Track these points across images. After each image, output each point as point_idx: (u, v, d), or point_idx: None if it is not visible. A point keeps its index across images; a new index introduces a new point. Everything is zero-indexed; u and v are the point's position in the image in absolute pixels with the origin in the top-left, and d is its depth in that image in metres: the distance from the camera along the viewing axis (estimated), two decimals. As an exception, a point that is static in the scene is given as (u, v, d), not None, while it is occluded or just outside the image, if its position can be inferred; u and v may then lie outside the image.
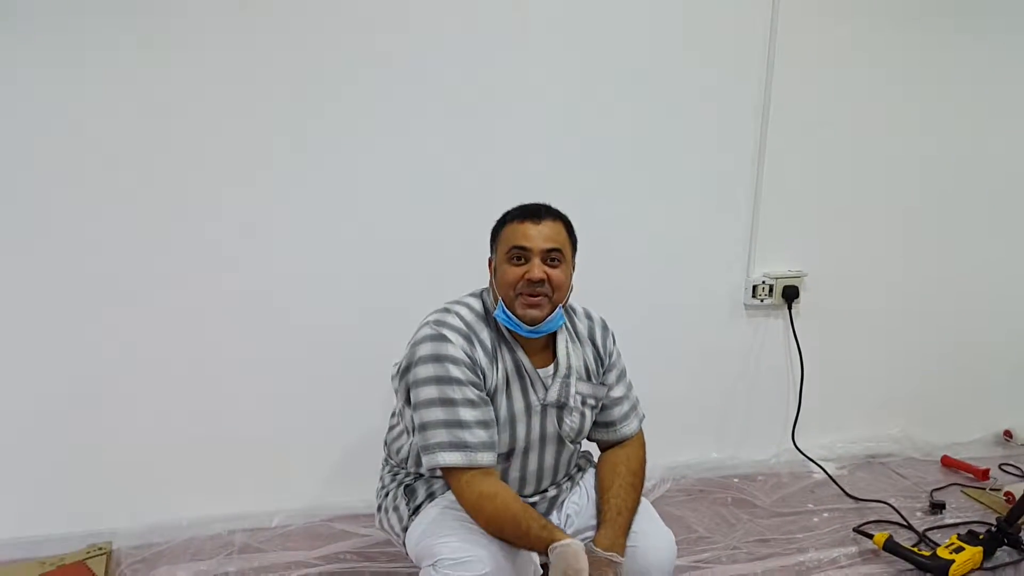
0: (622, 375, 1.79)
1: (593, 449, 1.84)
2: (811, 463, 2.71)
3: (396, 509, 1.69)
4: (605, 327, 1.79)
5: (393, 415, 1.77)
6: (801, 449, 2.68)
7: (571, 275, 1.63)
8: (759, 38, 2.44)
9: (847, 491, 2.53)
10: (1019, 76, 2.75)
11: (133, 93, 1.95)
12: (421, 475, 1.70)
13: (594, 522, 1.66)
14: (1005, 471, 2.75)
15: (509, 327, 1.61)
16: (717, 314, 2.62)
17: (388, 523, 1.71)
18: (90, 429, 2.09)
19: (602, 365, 1.75)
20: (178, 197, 2.03)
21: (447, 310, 1.62)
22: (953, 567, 1.98)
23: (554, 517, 1.73)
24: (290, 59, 2.04)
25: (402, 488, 1.71)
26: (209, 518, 2.22)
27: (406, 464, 1.73)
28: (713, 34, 2.39)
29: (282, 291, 2.17)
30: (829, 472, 2.63)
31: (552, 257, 1.57)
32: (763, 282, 2.58)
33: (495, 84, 2.22)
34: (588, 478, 1.79)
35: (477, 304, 1.66)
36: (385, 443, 1.83)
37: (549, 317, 1.58)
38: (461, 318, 1.60)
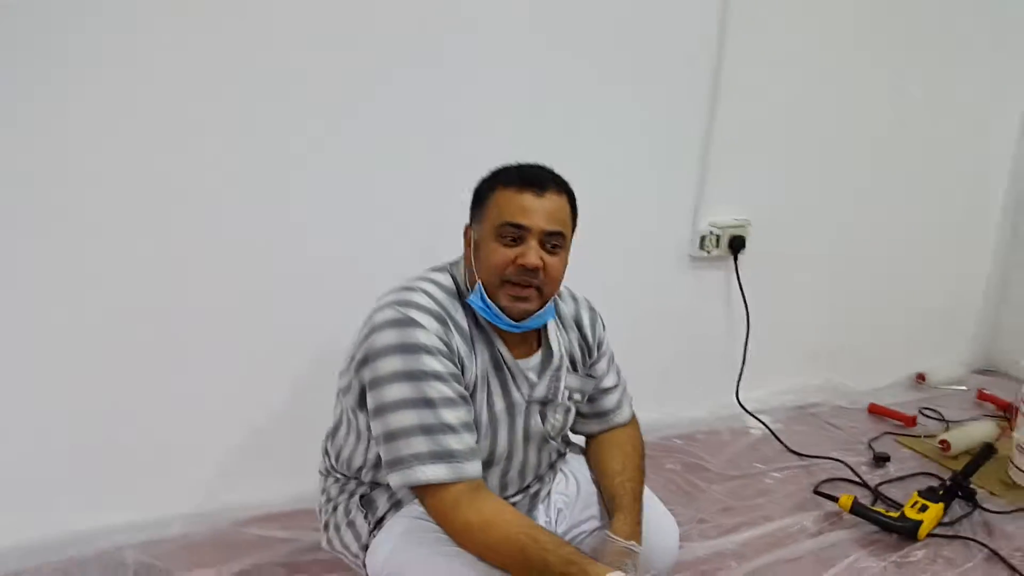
0: (611, 361, 1.55)
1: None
2: (747, 418, 2.62)
3: (351, 524, 1.38)
4: (592, 309, 1.53)
5: (340, 419, 1.43)
6: (744, 405, 2.58)
7: (567, 262, 1.34)
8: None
9: (789, 447, 2.46)
10: (976, 24, 2.69)
11: None
12: (378, 483, 1.40)
13: (587, 514, 1.46)
14: (926, 415, 2.78)
15: (487, 318, 1.31)
16: (661, 267, 2.43)
17: (340, 542, 1.39)
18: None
19: (590, 355, 1.49)
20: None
21: (410, 288, 1.29)
22: (923, 527, 1.94)
23: (540, 512, 1.47)
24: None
25: (357, 499, 1.39)
26: (91, 532, 1.80)
27: (359, 474, 1.42)
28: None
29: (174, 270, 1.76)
30: (770, 427, 2.55)
31: (553, 243, 1.27)
32: (711, 232, 2.41)
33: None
34: (574, 463, 1.55)
35: (446, 280, 1.34)
36: (326, 451, 1.50)
37: (539, 312, 1.30)
38: (430, 296, 1.28)
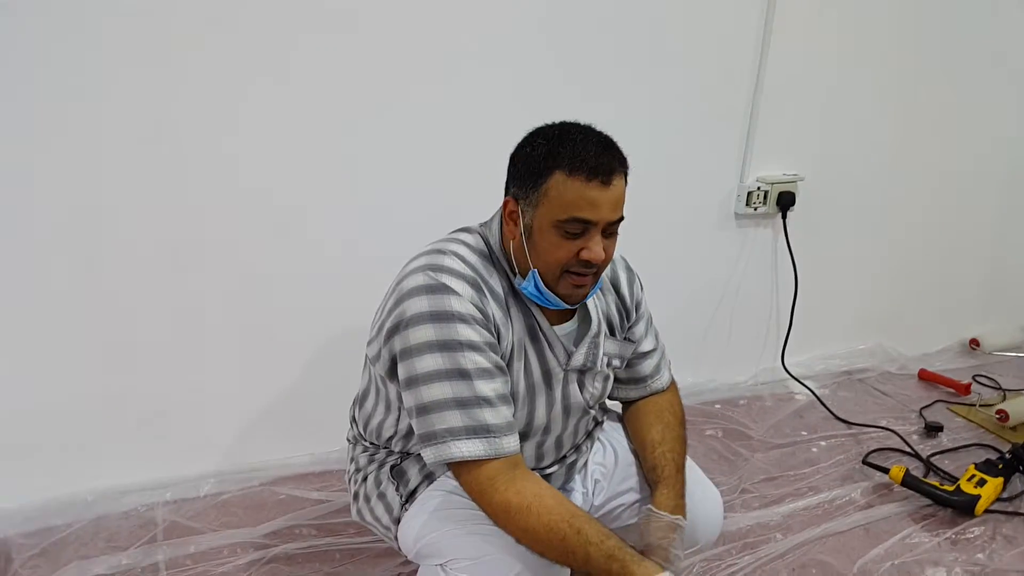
0: (650, 324, 1.45)
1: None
2: (791, 383, 2.53)
3: (382, 497, 1.31)
4: (629, 270, 1.42)
5: (368, 387, 1.35)
6: (789, 370, 2.48)
7: None
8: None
9: (836, 414, 2.36)
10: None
11: None
12: (409, 454, 1.33)
13: (626, 485, 1.39)
14: (980, 383, 2.66)
15: (539, 303, 1.22)
16: (705, 225, 2.31)
17: (371, 514, 1.33)
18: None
19: (628, 318, 1.39)
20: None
21: (440, 251, 1.20)
22: (980, 502, 1.84)
23: (577, 483, 1.41)
24: None
25: (387, 470, 1.33)
26: (120, 489, 1.80)
27: (390, 444, 1.35)
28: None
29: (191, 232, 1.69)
30: (816, 393, 2.45)
31: (612, 230, 1.17)
32: (758, 188, 2.28)
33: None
34: (611, 432, 1.47)
35: (477, 242, 1.24)
36: (353, 419, 1.43)
37: (590, 292, 1.22)
38: (463, 260, 1.19)
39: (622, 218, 1.17)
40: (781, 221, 2.36)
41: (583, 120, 1.19)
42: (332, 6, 1.65)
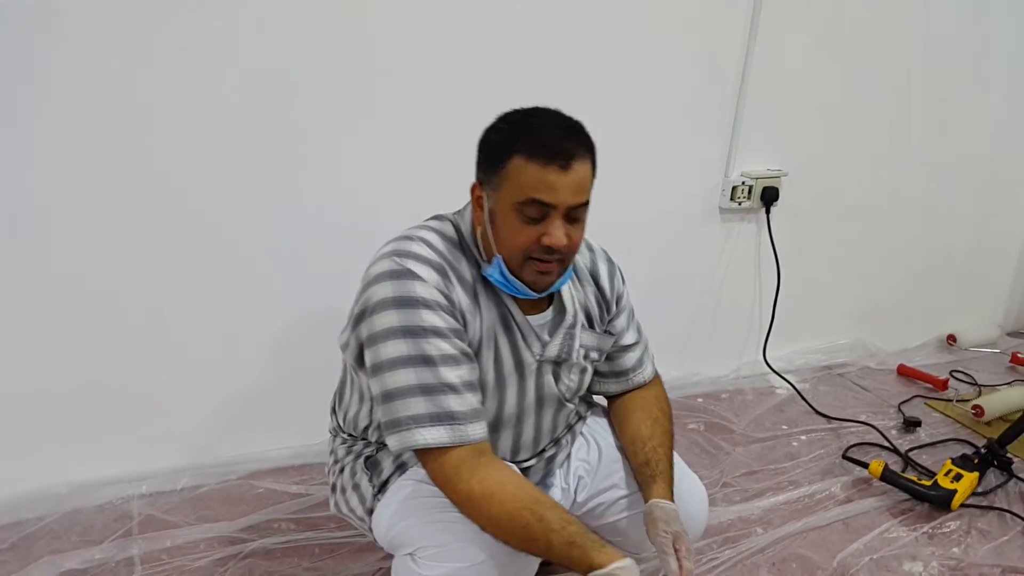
0: (631, 317, 1.43)
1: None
2: (772, 377, 2.54)
3: (356, 488, 1.30)
4: (610, 261, 1.40)
5: (344, 376, 1.34)
6: (771, 364, 2.49)
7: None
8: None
9: (817, 409, 2.37)
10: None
11: None
12: (385, 445, 1.31)
13: (609, 482, 1.38)
14: (957, 378, 2.68)
15: (507, 291, 1.21)
16: (689, 218, 2.31)
17: (347, 505, 1.32)
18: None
19: (608, 311, 1.38)
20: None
21: (408, 238, 1.19)
22: (957, 496, 1.86)
23: (558, 478, 1.40)
24: None
25: (362, 461, 1.32)
26: (94, 482, 1.76)
27: (366, 434, 1.34)
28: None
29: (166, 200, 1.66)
30: (796, 387, 2.46)
31: (576, 213, 1.15)
32: (743, 183, 2.28)
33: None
34: (595, 426, 1.46)
35: (448, 229, 1.23)
36: (334, 410, 1.42)
37: (559, 280, 1.21)
38: (430, 246, 1.18)
39: (587, 203, 1.15)
40: (765, 216, 2.37)
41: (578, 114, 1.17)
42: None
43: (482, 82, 1.82)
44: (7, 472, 1.68)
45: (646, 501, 1.25)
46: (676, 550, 1.15)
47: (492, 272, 1.18)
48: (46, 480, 1.72)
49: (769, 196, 2.32)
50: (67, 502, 1.71)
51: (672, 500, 1.24)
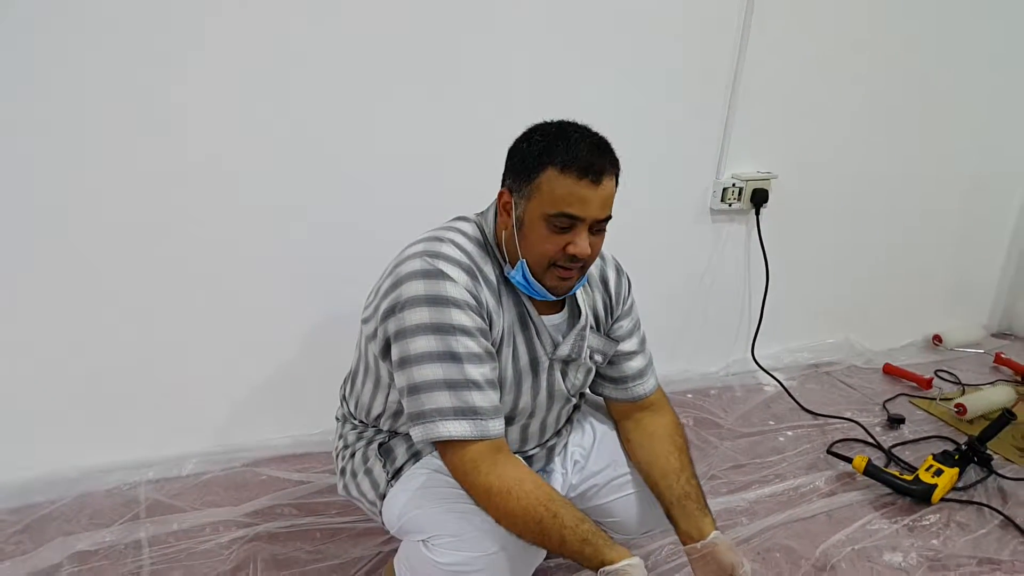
0: (636, 326, 1.49)
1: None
2: (760, 374, 2.60)
3: (369, 472, 1.36)
4: (619, 270, 1.47)
5: (359, 365, 1.40)
6: (759, 362, 2.56)
7: None
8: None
9: (803, 405, 2.44)
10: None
11: None
12: (397, 432, 1.38)
13: (603, 462, 1.46)
14: (941, 377, 2.75)
15: (528, 294, 1.28)
16: (680, 219, 2.37)
17: (357, 489, 1.38)
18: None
19: (611, 315, 1.44)
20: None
21: (439, 239, 1.25)
22: (937, 491, 1.92)
23: (557, 464, 1.47)
24: None
25: (375, 447, 1.38)
26: (103, 467, 1.82)
27: (378, 422, 1.40)
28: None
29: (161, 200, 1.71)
30: (784, 384, 2.52)
31: (599, 227, 1.22)
32: (733, 184, 2.34)
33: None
34: (589, 415, 1.55)
35: (474, 231, 1.29)
36: (343, 397, 1.48)
37: (575, 285, 1.28)
38: (460, 248, 1.24)
39: (610, 217, 1.22)
40: (755, 217, 2.43)
41: (581, 120, 1.24)
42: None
43: (482, 86, 1.88)
44: (21, 457, 1.73)
45: (700, 535, 1.27)
46: None
47: (515, 275, 1.25)
48: (57, 465, 1.77)
49: (759, 198, 2.39)
50: (77, 486, 1.76)
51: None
